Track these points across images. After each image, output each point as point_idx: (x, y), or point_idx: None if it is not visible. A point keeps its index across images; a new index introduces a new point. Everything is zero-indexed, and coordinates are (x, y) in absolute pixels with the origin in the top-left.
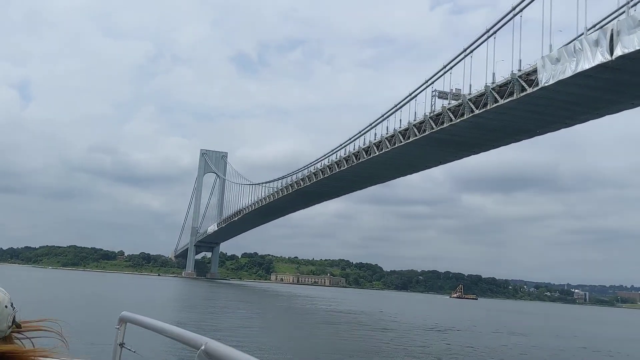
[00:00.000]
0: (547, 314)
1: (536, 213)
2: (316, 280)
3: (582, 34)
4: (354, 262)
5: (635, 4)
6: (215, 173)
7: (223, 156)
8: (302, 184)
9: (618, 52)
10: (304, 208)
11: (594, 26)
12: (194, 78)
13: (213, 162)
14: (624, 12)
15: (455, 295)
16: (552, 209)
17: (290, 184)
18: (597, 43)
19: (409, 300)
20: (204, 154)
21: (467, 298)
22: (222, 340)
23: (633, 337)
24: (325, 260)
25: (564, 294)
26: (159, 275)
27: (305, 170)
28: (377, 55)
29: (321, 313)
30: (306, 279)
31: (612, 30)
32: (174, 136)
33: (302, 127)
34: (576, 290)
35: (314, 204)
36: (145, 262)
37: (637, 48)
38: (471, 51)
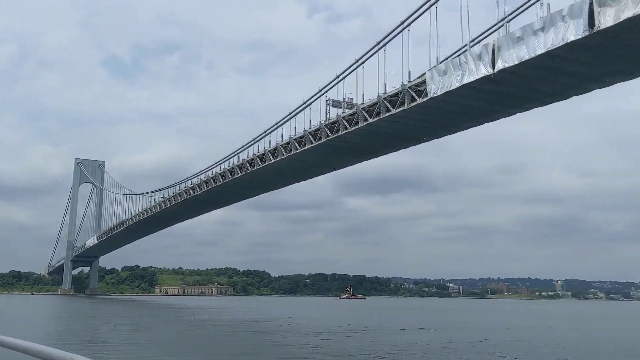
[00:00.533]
0: (444, 309)
1: (412, 213)
2: (203, 290)
3: (466, 45)
4: (241, 270)
5: (509, 21)
6: (92, 183)
7: (100, 165)
8: (192, 192)
9: (499, 65)
10: (194, 217)
11: (477, 38)
12: (63, 83)
13: (89, 171)
14: (502, 25)
15: (345, 296)
16: (427, 209)
17: (179, 193)
18: (480, 57)
19: (305, 304)
20: (80, 163)
21: (356, 298)
22: (91, 356)
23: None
24: (212, 269)
25: (440, 289)
26: (32, 293)
27: (196, 179)
28: (257, 61)
29: (231, 323)
30: (192, 290)
31: (493, 45)
32: (43, 144)
33: (183, 132)
34: (451, 285)
35: (204, 212)
36: (15, 281)
37: (516, 62)
38: (362, 62)
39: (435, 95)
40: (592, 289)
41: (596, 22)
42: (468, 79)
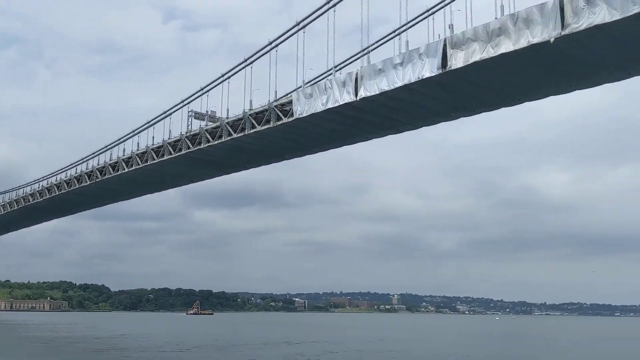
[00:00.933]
0: (296, 323)
1: (262, 227)
2: (34, 305)
3: (331, 70)
4: (77, 284)
5: (369, 52)
6: None
7: None
8: (31, 199)
9: (362, 93)
10: (32, 225)
11: (340, 64)
12: None
13: None
14: (364, 55)
15: (192, 312)
16: (276, 224)
17: (15, 199)
18: (344, 84)
19: (151, 321)
20: None
21: (203, 314)
22: None
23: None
24: (44, 282)
25: (286, 303)
26: None
27: (37, 185)
28: (104, 63)
29: (86, 340)
30: (22, 305)
31: (357, 74)
32: None
33: (17, 134)
34: (297, 299)
35: (45, 221)
36: None
37: (377, 92)
38: (229, 77)
39: (300, 116)
40: (424, 303)
41: (448, 63)
42: (332, 104)
